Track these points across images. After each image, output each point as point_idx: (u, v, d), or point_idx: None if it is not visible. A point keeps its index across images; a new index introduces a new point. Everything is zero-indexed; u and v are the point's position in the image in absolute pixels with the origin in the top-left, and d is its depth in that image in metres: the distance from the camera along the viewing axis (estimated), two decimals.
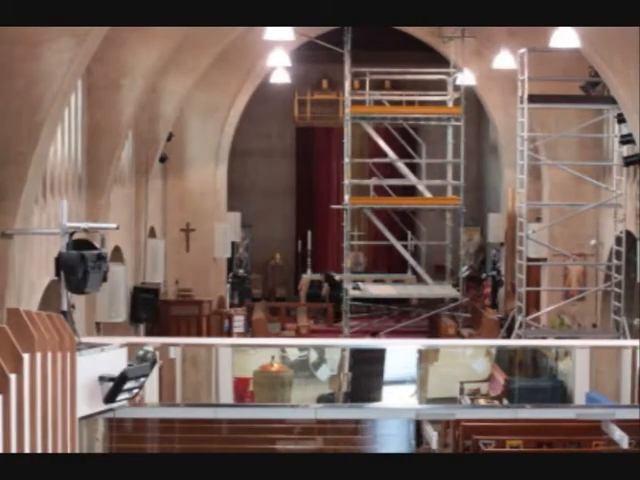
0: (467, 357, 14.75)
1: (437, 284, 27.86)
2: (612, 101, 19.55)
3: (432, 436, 11.36)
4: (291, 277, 34.09)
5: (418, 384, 13.54)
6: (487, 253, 33.29)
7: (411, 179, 28.33)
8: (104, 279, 10.10)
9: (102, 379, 8.93)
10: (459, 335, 26.01)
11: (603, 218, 23.17)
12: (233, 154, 30.83)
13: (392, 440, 13.26)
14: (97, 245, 10.28)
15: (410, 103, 29.11)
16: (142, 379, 9.31)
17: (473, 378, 15.03)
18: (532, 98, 20.89)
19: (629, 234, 20.96)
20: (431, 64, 27.89)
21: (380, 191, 28.79)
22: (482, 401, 14.70)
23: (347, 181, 27.49)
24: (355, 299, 26.79)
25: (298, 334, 26.80)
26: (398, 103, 29.37)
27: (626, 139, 20.21)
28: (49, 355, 7.78)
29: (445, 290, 27.68)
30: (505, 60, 22.70)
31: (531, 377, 14.69)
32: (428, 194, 28.11)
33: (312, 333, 26.85)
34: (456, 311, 27.54)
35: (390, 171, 29.17)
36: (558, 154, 23.40)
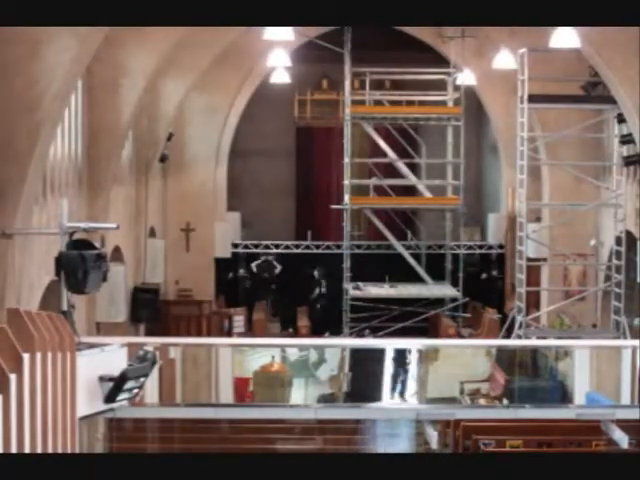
0: (467, 357, 14.76)
1: (437, 284, 27.88)
2: (612, 101, 19.54)
3: (432, 436, 11.35)
4: None
5: (418, 384, 13.55)
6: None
7: (411, 179, 28.35)
8: (104, 279, 10.11)
9: (102, 379, 8.92)
10: (459, 335, 26.01)
11: (603, 218, 23.18)
12: (233, 154, 30.83)
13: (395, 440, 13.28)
14: (97, 245, 10.28)
15: (410, 103, 29.13)
16: (142, 379, 9.31)
17: (473, 378, 15.04)
18: (532, 98, 20.90)
19: (629, 234, 20.96)
20: (431, 64, 27.90)
21: (380, 191, 28.80)
22: (482, 401, 14.70)
23: (347, 181, 27.50)
24: (355, 299, 26.81)
25: (298, 334, 26.79)
26: (398, 103, 29.39)
27: (626, 139, 20.22)
28: (49, 355, 7.78)
29: (445, 290, 27.69)
30: (505, 60, 22.71)
31: (531, 377, 14.70)
32: (428, 194, 28.13)
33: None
34: (456, 311, 27.58)
35: (390, 171, 29.17)
36: (558, 154, 23.41)
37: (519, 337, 20.81)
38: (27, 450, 7.28)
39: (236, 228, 31.06)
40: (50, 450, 7.69)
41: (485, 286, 29.65)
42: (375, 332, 26.30)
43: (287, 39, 21.16)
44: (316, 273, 29.31)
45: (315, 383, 13.77)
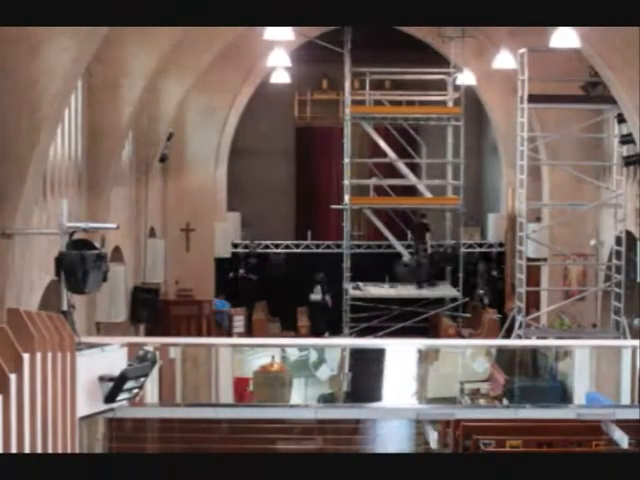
0: (467, 357, 14.76)
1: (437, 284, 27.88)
2: (612, 101, 19.55)
3: (432, 436, 11.35)
4: None
5: (418, 384, 13.55)
6: None
7: (411, 179, 28.34)
8: (104, 279, 10.11)
9: (102, 379, 8.93)
10: (459, 335, 26.01)
11: (603, 218, 23.18)
12: (233, 154, 30.83)
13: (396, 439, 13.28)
14: (97, 245, 10.29)
15: (410, 103, 29.14)
16: (142, 379, 9.31)
17: (473, 378, 15.04)
18: (532, 98, 20.90)
19: (629, 234, 20.97)
20: (431, 64, 27.89)
21: (380, 191, 28.80)
22: (482, 401, 14.70)
23: (347, 181, 27.50)
24: (355, 299, 26.81)
25: (298, 334, 26.80)
26: (398, 103, 29.40)
27: (626, 139, 20.22)
28: (49, 355, 7.78)
29: (445, 290, 27.69)
30: (505, 60, 22.70)
31: (531, 377, 14.70)
32: (428, 194, 28.13)
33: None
34: (456, 311, 27.57)
35: (390, 171, 29.18)
36: (558, 154, 23.40)
37: (519, 337, 20.81)
38: (27, 450, 7.28)
39: (236, 228, 31.06)
40: (50, 450, 7.69)
41: (485, 286, 29.62)
42: (375, 332, 26.27)
43: (287, 39, 21.17)
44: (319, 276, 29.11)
45: (315, 383, 13.76)
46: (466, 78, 26.77)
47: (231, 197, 31.11)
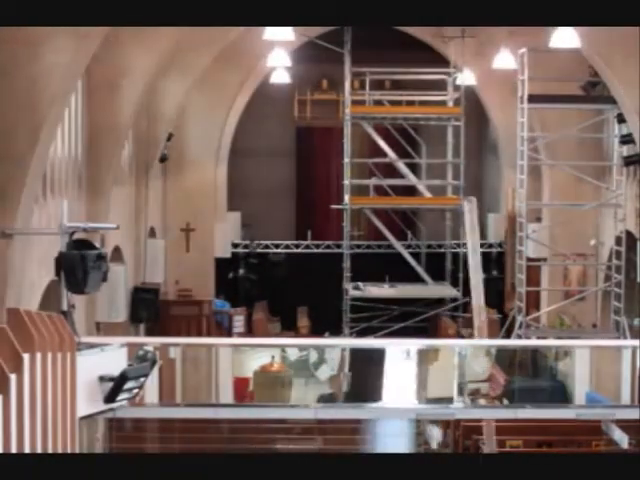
0: (467, 357, 14.76)
1: (437, 284, 27.88)
2: (612, 101, 19.56)
3: (432, 436, 11.36)
4: None
5: (418, 384, 13.55)
6: None
7: (411, 179, 28.33)
8: (104, 279, 10.11)
9: (102, 379, 8.93)
10: (459, 335, 26.00)
11: (603, 218, 23.18)
12: (233, 154, 30.82)
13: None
14: (97, 245, 10.29)
15: (410, 103, 29.12)
16: (142, 379, 9.32)
17: (473, 378, 15.04)
18: (532, 98, 20.90)
19: (629, 234, 20.97)
20: (431, 64, 27.88)
21: (380, 191, 28.80)
22: (482, 401, 14.70)
23: (347, 181, 27.49)
24: (355, 299, 26.80)
25: (298, 334, 26.80)
26: (398, 103, 29.38)
27: (626, 139, 20.23)
28: (49, 355, 7.78)
29: (445, 290, 27.68)
30: (505, 60, 22.69)
31: (531, 377, 14.70)
32: (428, 194, 28.12)
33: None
34: (456, 311, 27.57)
35: (390, 171, 29.18)
36: (558, 154, 23.40)
37: (519, 337, 20.81)
38: (27, 450, 7.28)
39: (236, 228, 31.04)
40: (50, 450, 7.70)
41: (485, 286, 29.59)
42: (375, 332, 26.27)
43: (287, 39, 21.16)
44: None
45: (315, 383, 13.76)
46: (466, 78, 26.75)
47: (231, 197, 31.09)
